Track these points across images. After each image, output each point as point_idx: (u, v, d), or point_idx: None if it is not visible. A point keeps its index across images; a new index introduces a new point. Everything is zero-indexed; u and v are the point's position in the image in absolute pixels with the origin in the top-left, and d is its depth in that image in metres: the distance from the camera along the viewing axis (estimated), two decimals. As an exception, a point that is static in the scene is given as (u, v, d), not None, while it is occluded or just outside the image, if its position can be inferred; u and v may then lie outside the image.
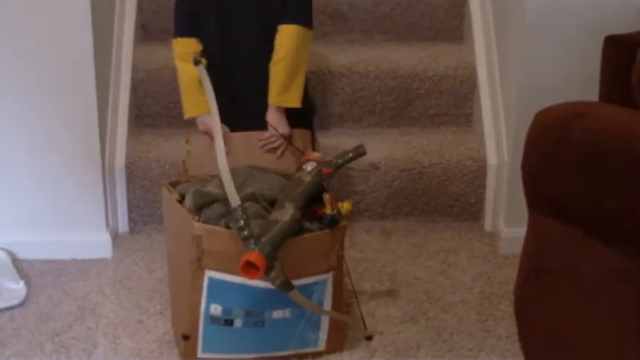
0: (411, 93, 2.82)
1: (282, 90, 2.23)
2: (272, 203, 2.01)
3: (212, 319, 1.99)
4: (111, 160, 2.63)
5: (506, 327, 2.20)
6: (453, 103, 2.84)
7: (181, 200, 2.05)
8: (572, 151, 1.76)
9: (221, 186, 1.94)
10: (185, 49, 2.27)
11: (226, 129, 2.19)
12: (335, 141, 2.74)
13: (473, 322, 2.24)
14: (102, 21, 2.54)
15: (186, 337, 2.01)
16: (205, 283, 1.96)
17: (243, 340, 2.02)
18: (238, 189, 1.94)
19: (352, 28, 2.99)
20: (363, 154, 2.10)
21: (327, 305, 2.05)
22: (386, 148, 2.72)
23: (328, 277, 2.03)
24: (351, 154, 2.09)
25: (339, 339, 2.11)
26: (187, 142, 2.26)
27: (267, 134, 2.26)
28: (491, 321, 2.24)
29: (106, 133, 2.60)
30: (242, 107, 2.30)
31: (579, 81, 2.27)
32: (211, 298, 1.98)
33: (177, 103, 2.52)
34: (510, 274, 2.36)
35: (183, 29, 2.29)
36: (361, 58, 2.84)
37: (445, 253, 2.56)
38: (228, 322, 2.00)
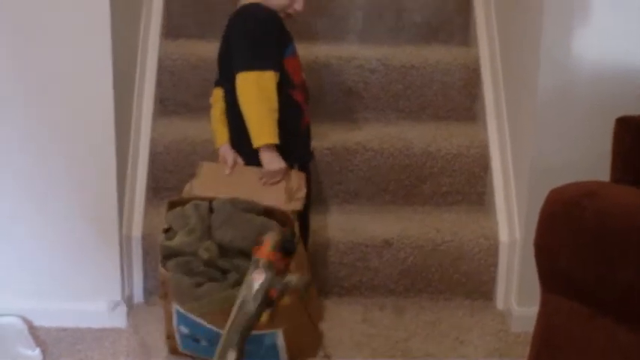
0: (425, 171, 2.85)
1: (252, 133, 2.35)
2: (242, 253, 2.20)
3: (183, 335, 2.32)
4: (128, 230, 2.66)
5: (518, 405, 2.20)
6: (466, 182, 2.87)
7: (167, 230, 2.31)
8: (583, 229, 1.79)
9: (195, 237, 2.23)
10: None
11: (240, 161, 2.43)
12: (350, 218, 2.78)
13: (485, 399, 2.24)
14: (122, 94, 2.59)
15: (168, 337, 2.37)
16: (174, 311, 2.28)
17: (211, 349, 2.10)
18: (215, 229, 2.24)
19: (367, 106, 3.04)
20: (308, 285, 2.20)
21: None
22: (399, 226, 2.74)
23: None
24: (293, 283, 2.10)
25: None
26: (200, 165, 2.47)
27: (262, 172, 2.39)
28: (504, 399, 2.24)
29: (124, 204, 2.63)
30: None
31: (591, 160, 2.30)
32: (180, 322, 2.30)
33: (194, 176, 2.56)
34: (522, 352, 2.36)
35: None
36: (375, 136, 2.88)
37: (457, 331, 2.56)
38: (196, 340, 2.31)
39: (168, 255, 2.27)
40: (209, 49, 2.78)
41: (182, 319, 2.28)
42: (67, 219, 2.52)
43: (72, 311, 2.54)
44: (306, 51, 2.84)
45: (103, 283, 2.57)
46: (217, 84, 2.54)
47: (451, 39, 3.20)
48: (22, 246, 2.54)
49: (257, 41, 2.37)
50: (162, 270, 2.27)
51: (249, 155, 2.40)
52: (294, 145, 2.44)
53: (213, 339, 2.14)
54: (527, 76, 2.54)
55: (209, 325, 2.24)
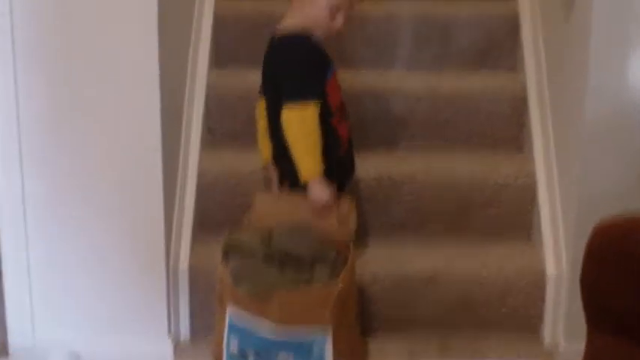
0: (471, 202, 2.84)
1: (299, 168, 2.40)
2: (299, 261, 2.29)
3: (231, 354, 2.31)
4: (175, 263, 2.67)
5: None
6: (513, 213, 2.84)
7: (225, 254, 2.34)
8: (631, 264, 1.77)
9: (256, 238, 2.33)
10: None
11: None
12: (395, 251, 2.77)
13: None
14: (170, 124, 2.62)
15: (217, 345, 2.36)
16: (227, 318, 2.29)
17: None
18: (276, 241, 2.33)
19: (413, 135, 3.03)
20: None
21: None
22: (445, 259, 2.73)
23: (326, 334, 2.22)
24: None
25: None
26: (254, 196, 2.49)
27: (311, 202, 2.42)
28: None
29: (171, 236, 2.65)
30: None
31: (639, 193, 2.28)
32: (231, 331, 2.30)
33: (241, 207, 2.58)
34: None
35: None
36: (421, 166, 2.87)
37: (504, 366, 2.55)
38: (244, 357, 2.30)
39: (230, 249, 2.34)
40: (257, 79, 2.81)
41: (234, 327, 2.29)
42: (114, 251, 2.55)
43: (119, 346, 2.56)
44: (352, 79, 2.84)
45: (149, 319, 2.59)
46: (261, 93, 2.57)
47: (498, 65, 3.18)
48: (68, 280, 2.56)
49: (302, 73, 2.42)
50: (220, 267, 2.31)
51: (288, 172, 2.44)
52: (335, 172, 2.46)
53: (262, 353, 2.24)
54: (575, 105, 2.53)
55: (261, 334, 2.25)
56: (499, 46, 3.18)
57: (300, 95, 2.37)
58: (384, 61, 3.17)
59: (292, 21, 2.48)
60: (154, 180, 2.53)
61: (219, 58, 3.16)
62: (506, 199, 2.83)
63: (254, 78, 2.87)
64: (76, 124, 2.48)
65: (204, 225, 2.85)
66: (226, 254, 2.35)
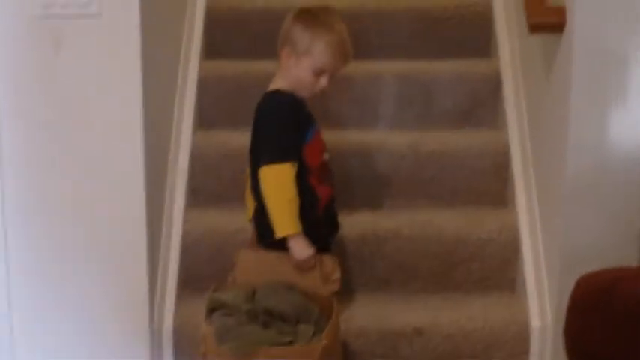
0: (455, 257, 2.84)
1: (274, 224, 2.42)
2: (283, 318, 2.29)
3: None
4: (159, 323, 2.66)
5: None
6: (497, 267, 2.85)
7: (210, 311, 2.34)
8: (613, 316, 1.78)
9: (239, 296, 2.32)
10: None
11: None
12: (380, 306, 2.76)
13: None
14: (154, 186, 2.64)
15: None
16: None
17: None
18: (259, 298, 2.33)
19: (398, 192, 3.04)
20: None
21: None
22: (430, 313, 2.72)
23: None
24: None
25: None
26: (237, 254, 2.49)
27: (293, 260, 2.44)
28: None
29: (155, 296, 2.64)
30: None
31: (621, 245, 2.29)
32: None
33: (225, 266, 2.58)
34: None
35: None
36: (406, 222, 2.88)
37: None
38: None
39: (214, 308, 2.34)
40: (241, 140, 2.82)
41: None
42: (97, 311, 2.54)
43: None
44: (336, 138, 2.86)
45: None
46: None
47: (481, 123, 3.21)
48: (52, 341, 2.55)
49: (277, 134, 2.44)
50: (204, 326, 2.30)
51: (265, 230, 2.45)
52: (314, 231, 2.47)
53: None
54: (556, 161, 2.54)
55: None
56: (481, 104, 3.22)
57: (275, 156, 2.40)
58: (368, 120, 3.21)
59: (279, 80, 2.53)
60: (137, 240, 2.53)
61: (203, 120, 3.19)
62: (490, 254, 2.84)
63: (237, 139, 2.91)
64: (59, 179, 2.49)
65: (188, 284, 2.85)
66: (210, 312, 2.34)
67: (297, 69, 2.48)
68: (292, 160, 2.41)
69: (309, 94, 2.52)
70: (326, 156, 2.56)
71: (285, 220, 2.40)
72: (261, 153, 2.43)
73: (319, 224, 2.52)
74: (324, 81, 2.49)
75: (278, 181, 2.39)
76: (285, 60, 2.50)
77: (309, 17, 2.51)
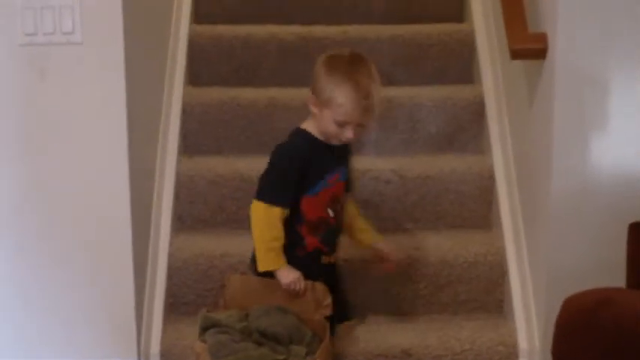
0: (442, 280, 2.85)
1: (257, 258, 2.41)
2: (276, 339, 2.29)
3: None
4: (146, 347, 2.65)
5: None
6: (484, 289, 2.86)
7: (203, 330, 2.33)
8: (600, 336, 1.79)
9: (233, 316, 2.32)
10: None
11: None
12: (368, 329, 2.76)
13: None
14: (140, 212, 2.63)
15: None
16: None
17: None
18: (253, 319, 2.33)
19: (383, 217, 3.05)
20: None
21: None
22: (418, 335, 2.72)
23: None
24: None
25: None
26: (228, 278, 2.48)
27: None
28: None
29: (142, 320, 2.63)
30: None
31: (606, 266, 2.30)
32: None
33: (212, 290, 2.57)
34: None
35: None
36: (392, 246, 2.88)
37: None
38: None
39: (207, 326, 2.33)
40: (226, 166, 2.82)
41: None
42: (83, 336, 2.53)
43: None
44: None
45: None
46: None
47: (466, 147, 3.23)
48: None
49: (274, 178, 2.42)
50: (198, 343, 2.30)
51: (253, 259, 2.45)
52: (299, 268, 2.43)
53: None
54: (541, 184, 2.56)
55: None
56: (465, 129, 3.25)
57: (267, 196, 2.39)
58: (353, 146, 3.21)
59: (312, 121, 2.45)
60: (124, 265, 2.53)
61: (188, 146, 3.19)
62: (477, 276, 2.85)
63: (223, 165, 2.91)
64: (43, 205, 2.49)
65: (175, 308, 2.84)
66: (203, 331, 2.33)
67: (321, 117, 2.39)
68: (282, 206, 2.38)
69: (338, 142, 2.43)
70: (331, 213, 2.49)
71: (268, 256, 2.39)
72: (259, 186, 2.41)
73: (304, 264, 2.48)
74: (348, 132, 2.39)
75: (266, 218, 2.38)
76: (312, 106, 2.42)
77: (335, 65, 2.39)
